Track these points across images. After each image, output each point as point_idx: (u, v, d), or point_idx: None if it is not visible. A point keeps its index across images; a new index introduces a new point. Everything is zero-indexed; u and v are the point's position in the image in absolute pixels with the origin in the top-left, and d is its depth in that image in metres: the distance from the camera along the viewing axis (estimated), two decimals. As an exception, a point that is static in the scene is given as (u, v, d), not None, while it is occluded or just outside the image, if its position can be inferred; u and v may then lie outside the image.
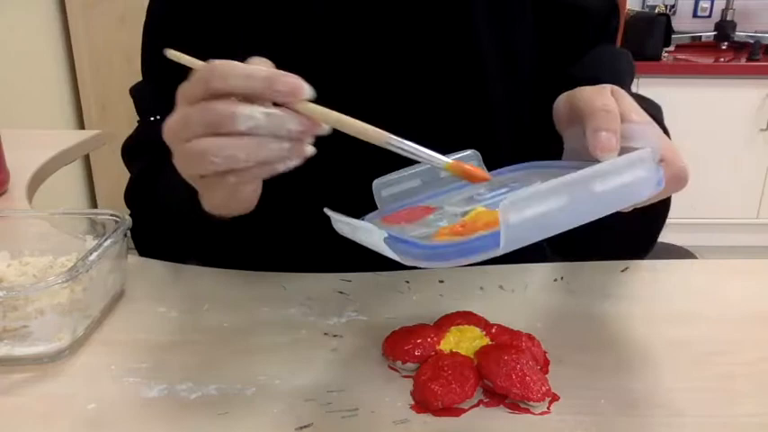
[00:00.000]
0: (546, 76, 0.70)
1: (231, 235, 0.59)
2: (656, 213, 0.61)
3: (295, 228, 0.68)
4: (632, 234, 0.62)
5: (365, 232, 0.39)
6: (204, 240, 0.64)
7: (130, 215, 0.69)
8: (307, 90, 0.40)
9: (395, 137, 0.41)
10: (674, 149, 0.46)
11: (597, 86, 0.48)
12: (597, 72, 0.70)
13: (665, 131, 0.63)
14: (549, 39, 0.69)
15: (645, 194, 0.38)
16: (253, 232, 0.67)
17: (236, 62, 0.41)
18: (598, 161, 0.42)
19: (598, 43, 0.72)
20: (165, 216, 0.63)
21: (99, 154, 2.27)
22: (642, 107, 0.56)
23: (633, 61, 0.75)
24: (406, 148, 0.41)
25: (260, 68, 0.41)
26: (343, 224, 0.42)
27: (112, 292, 0.56)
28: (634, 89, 0.70)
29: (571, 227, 0.35)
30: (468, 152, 0.53)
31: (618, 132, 0.42)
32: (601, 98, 0.45)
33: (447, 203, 0.47)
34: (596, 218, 0.35)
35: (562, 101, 0.52)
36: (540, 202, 0.33)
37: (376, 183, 0.50)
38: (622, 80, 0.71)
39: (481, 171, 0.42)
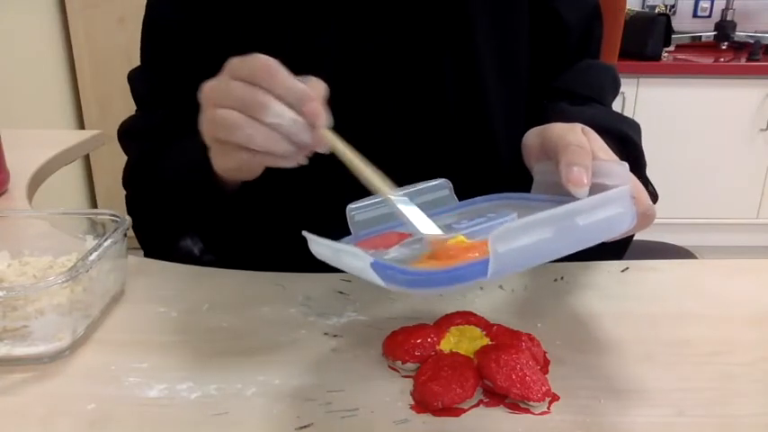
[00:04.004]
0: (535, 88, 0.70)
1: (234, 208, 0.62)
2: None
3: (295, 228, 0.68)
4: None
5: (351, 256, 0.39)
6: (208, 211, 0.65)
7: (127, 196, 0.70)
8: (324, 119, 0.45)
9: (394, 195, 0.44)
10: (642, 189, 0.49)
11: (569, 124, 0.51)
12: (579, 87, 0.70)
13: (641, 152, 0.64)
14: (538, 50, 0.69)
15: (622, 229, 0.40)
16: (253, 232, 0.67)
17: (284, 71, 0.45)
18: (568, 195, 0.44)
19: (582, 56, 0.72)
20: (168, 191, 0.65)
21: (99, 154, 2.27)
22: (619, 128, 0.57)
23: (618, 77, 0.75)
24: (400, 209, 0.44)
25: (298, 85, 0.45)
26: (324, 247, 0.42)
27: (112, 292, 0.56)
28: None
29: (553, 258, 0.37)
30: (440, 181, 0.53)
31: (589, 168, 0.45)
32: (573, 134, 0.48)
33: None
34: (576, 250, 0.37)
35: (532, 135, 0.54)
36: (527, 233, 0.35)
37: (350, 208, 0.50)
38: (604, 98, 0.72)
39: (446, 251, 0.41)
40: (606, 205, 0.38)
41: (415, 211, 0.44)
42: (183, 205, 0.64)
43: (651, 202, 0.50)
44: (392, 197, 0.44)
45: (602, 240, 0.39)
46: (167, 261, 0.65)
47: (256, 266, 0.63)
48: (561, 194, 0.47)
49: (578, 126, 0.50)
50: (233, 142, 0.46)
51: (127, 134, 0.72)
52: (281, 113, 0.45)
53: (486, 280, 0.35)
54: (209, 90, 0.48)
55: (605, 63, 0.76)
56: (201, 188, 0.59)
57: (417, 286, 0.36)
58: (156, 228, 0.70)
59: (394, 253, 0.45)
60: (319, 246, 0.42)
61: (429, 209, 0.52)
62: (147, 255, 0.72)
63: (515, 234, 0.35)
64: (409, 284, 0.36)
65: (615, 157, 0.49)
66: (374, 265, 0.37)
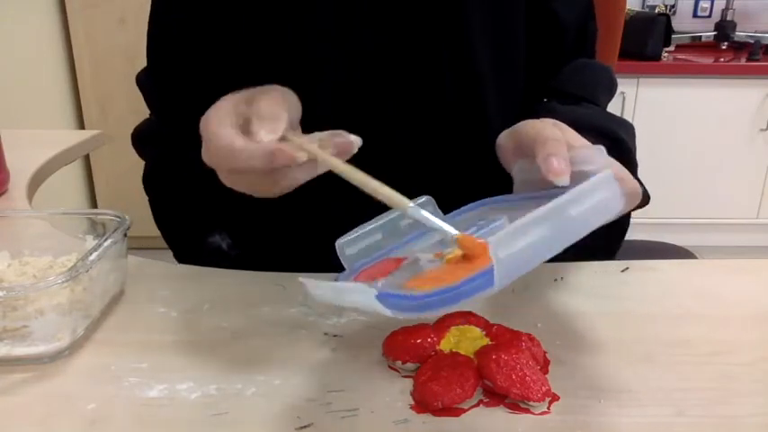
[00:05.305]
0: (531, 86, 0.70)
1: (256, 207, 0.60)
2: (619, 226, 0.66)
3: (295, 227, 0.68)
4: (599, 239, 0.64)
5: (357, 293, 0.38)
6: (231, 209, 0.65)
7: (150, 200, 0.71)
8: (302, 158, 0.44)
9: (414, 206, 0.43)
10: (623, 169, 0.50)
11: (539, 120, 0.51)
12: (572, 87, 0.71)
13: (633, 152, 0.64)
14: (535, 49, 0.69)
15: (614, 211, 0.40)
16: (276, 228, 0.67)
17: (236, 147, 0.44)
18: (551, 188, 0.44)
19: (578, 55, 0.72)
20: (190, 192, 0.65)
21: (99, 154, 2.27)
22: (610, 128, 0.56)
23: (614, 78, 0.76)
24: (420, 218, 0.43)
25: (256, 149, 0.44)
26: (325, 289, 0.41)
27: (112, 292, 0.56)
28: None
29: (554, 254, 0.36)
30: (424, 198, 0.53)
31: (567, 158, 0.45)
32: (549, 129, 0.49)
33: (418, 251, 0.47)
34: (575, 241, 0.37)
35: (504, 136, 0.55)
36: (524, 234, 0.35)
37: (339, 242, 0.50)
38: (597, 98, 0.72)
39: (482, 246, 0.41)
40: (593, 191, 0.38)
41: (431, 216, 0.43)
42: (208, 204, 0.64)
43: (636, 182, 0.50)
44: (412, 212, 0.43)
45: (597, 226, 0.39)
46: (197, 259, 0.66)
47: (256, 266, 0.63)
48: (544, 190, 0.47)
49: (549, 121, 0.51)
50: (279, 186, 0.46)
51: (141, 139, 0.72)
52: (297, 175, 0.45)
53: (495, 290, 0.34)
54: (216, 152, 0.46)
55: (602, 63, 0.76)
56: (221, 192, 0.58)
57: (424, 310, 0.35)
58: (183, 227, 0.70)
59: (389, 279, 0.44)
60: (321, 289, 0.41)
61: (416, 228, 0.51)
62: (176, 256, 0.72)
63: (513, 237, 0.34)
64: (416, 309, 0.35)
65: (588, 143, 0.49)
66: (379, 297, 0.36)
